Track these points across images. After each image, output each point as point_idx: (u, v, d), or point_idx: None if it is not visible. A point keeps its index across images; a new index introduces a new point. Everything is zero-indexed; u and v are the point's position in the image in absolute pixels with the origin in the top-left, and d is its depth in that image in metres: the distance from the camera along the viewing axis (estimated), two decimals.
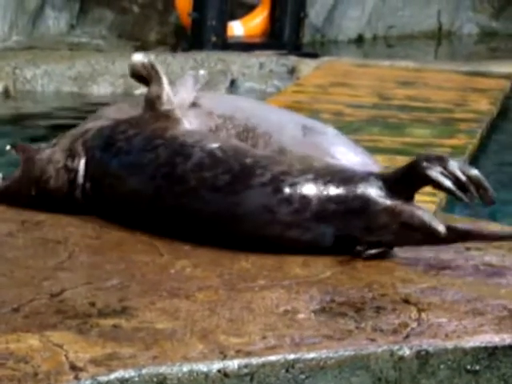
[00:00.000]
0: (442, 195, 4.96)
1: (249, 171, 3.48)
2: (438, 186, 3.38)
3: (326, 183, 3.40)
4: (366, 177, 3.43)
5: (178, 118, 3.75)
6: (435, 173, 3.34)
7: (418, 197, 3.48)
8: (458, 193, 3.33)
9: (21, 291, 3.10)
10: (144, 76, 3.87)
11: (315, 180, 3.41)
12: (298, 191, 3.40)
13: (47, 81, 8.92)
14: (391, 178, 3.43)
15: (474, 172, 3.35)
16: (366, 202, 3.37)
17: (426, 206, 4.86)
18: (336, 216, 3.39)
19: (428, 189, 3.50)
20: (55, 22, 11.07)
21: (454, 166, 3.35)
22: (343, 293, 3.16)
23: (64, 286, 3.15)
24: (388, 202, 3.36)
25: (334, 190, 3.39)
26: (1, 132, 7.82)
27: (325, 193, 3.39)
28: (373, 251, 3.39)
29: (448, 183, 3.33)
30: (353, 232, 3.40)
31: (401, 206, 3.36)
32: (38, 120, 8.15)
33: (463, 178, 3.33)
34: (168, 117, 3.75)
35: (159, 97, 3.80)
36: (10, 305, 3.00)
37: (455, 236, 3.35)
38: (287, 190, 3.41)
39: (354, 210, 3.38)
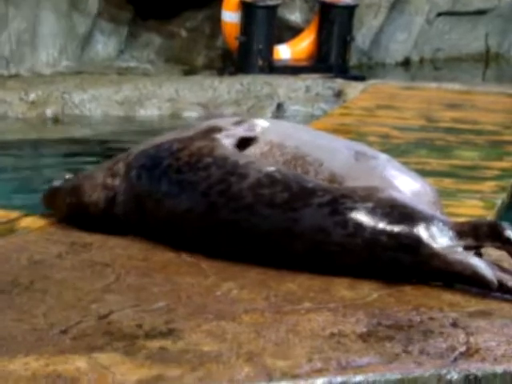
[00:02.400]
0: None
1: (309, 191, 3.49)
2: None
3: (383, 214, 3.39)
4: (427, 217, 3.39)
5: (222, 139, 3.78)
6: None
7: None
8: None
9: (69, 313, 3.12)
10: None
11: (374, 209, 3.40)
12: (354, 216, 3.39)
13: (95, 105, 8.99)
14: (457, 225, 3.38)
15: None
16: (418, 242, 3.34)
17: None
18: (386, 248, 3.37)
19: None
20: (104, 46, 11.17)
21: None
22: (390, 316, 3.15)
23: (111, 308, 3.17)
24: (441, 248, 3.32)
25: (389, 223, 3.38)
26: (51, 155, 7.90)
27: (380, 224, 3.38)
28: None
29: None
30: (402, 266, 3.38)
31: (454, 255, 3.32)
32: (86, 144, 8.21)
33: None
34: (212, 138, 3.77)
35: (219, 129, 3.84)
36: (58, 327, 3.02)
37: (505, 290, 3.30)
38: (344, 214, 3.40)
39: (405, 248, 3.36)
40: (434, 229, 3.34)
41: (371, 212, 3.40)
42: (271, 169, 3.61)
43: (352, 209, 3.41)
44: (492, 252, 3.50)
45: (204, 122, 4.29)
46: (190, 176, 3.68)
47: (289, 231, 3.46)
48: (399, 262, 3.36)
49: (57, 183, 4.10)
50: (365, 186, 3.54)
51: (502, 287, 3.27)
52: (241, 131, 3.88)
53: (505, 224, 3.38)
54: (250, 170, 3.60)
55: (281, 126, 4.16)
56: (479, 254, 3.37)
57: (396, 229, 3.36)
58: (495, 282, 3.27)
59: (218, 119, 4.18)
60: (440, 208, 3.75)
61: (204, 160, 3.68)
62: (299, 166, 3.76)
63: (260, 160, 3.71)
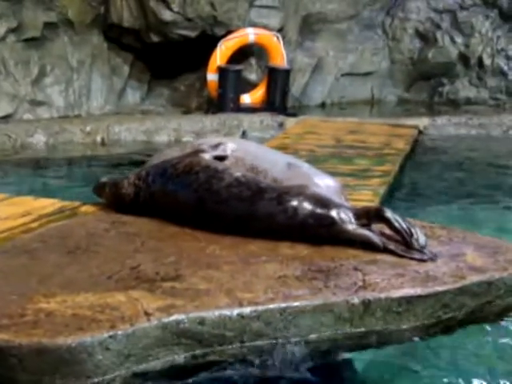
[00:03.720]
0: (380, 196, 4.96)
1: (263, 189, 3.45)
2: (391, 226, 3.28)
3: (310, 204, 3.35)
4: (338, 205, 3.36)
5: (205, 156, 3.76)
6: (392, 217, 3.28)
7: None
8: (405, 234, 3.25)
9: (112, 266, 3.09)
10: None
11: (303, 201, 3.37)
12: (292, 206, 3.37)
13: (128, 134, 8.91)
14: (356, 210, 3.34)
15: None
16: (332, 222, 3.30)
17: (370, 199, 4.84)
18: (312, 226, 3.33)
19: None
20: (132, 97, 11.06)
21: (403, 218, 3.29)
22: (316, 264, 3.14)
23: (139, 262, 3.14)
24: (346, 226, 3.29)
25: (314, 210, 3.34)
26: (100, 166, 7.85)
27: (308, 210, 3.35)
28: None
29: (399, 226, 3.26)
30: (322, 237, 3.35)
31: (355, 230, 3.28)
32: (121, 159, 8.14)
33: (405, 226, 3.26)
34: (199, 156, 3.76)
35: (203, 151, 3.80)
36: (106, 274, 2.99)
37: (386, 250, 3.27)
38: (285, 204, 3.38)
39: (324, 226, 3.32)
40: (342, 213, 3.31)
41: (303, 202, 3.37)
42: (238, 174, 3.56)
43: (290, 201, 3.38)
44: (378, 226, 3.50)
45: (195, 142, 4.25)
46: (185, 179, 3.64)
47: (251, 216, 3.41)
48: (321, 234, 3.33)
49: (103, 179, 4.07)
50: (297, 184, 3.51)
51: (385, 248, 3.27)
52: (217, 152, 3.85)
53: (385, 208, 3.37)
54: (225, 175, 3.55)
55: (244, 146, 4.11)
56: (370, 229, 3.35)
57: (319, 213, 3.33)
58: (381, 245, 3.26)
59: (203, 141, 4.13)
60: (345, 196, 3.74)
61: (194, 168, 3.64)
62: (254, 173, 3.75)
63: (231, 168, 3.67)
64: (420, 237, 3.26)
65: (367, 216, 3.31)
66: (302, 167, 3.86)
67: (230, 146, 3.90)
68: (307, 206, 3.34)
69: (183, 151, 3.96)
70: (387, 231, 3.33)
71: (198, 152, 3.79)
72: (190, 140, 8.07)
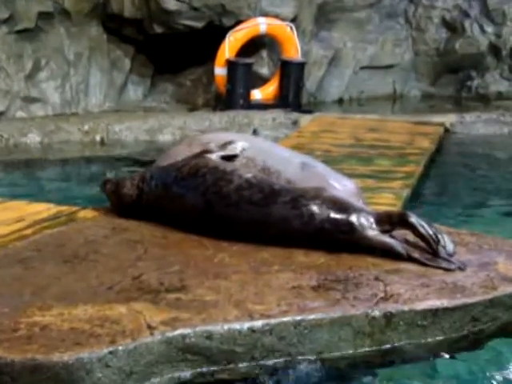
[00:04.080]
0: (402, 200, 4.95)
1: (276, 192, 3.45)
2: (415, 232, 3.28)
3: (328, 208, 3.35)
4: (358, 210, 3.35)
5: (213, 156, 3.76)
6: (417, 222, 3.28)
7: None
8: (431, 241, 3.25)
9: (113, 275, 3.10)
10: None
11: (321, 204, 3.36)
12: (308, 210, 3.36)
13: (129, 133, 8.94)
14: (377, 215, 3.34)
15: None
16: (351, 227, 3.30)
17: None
18: (330, 232, 3.33)
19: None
20: (134, 93, 11.10)
21: (429, 224, 3.28)
22: (333, 273, 3.14)
23: (142, 271, 3.15)
24: (367, 232, 3.29)
25: (332, 215, 3.34)
26: (99, 166, 7.87)
27: (326, 215, 3.34)
28: None
29: (424, 232, 3.26)
30: (340, 243, 3.34)
31: (376, 236, 3.28)
32: (123, 159, 8.17)
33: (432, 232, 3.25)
34: (206, 157, 3.75)
35: (210, 152, 3.81)
36: (106, 285, 3.00)
37: (410, 258, 3.28)
38: (301, 208, 3.37)
39: (343, 231, 3.32)
40: (362, 218, 3.31)
41: (319, 206, 3.37)
42: (249, 175, 3.56)
43: (306, 205, 3.38)
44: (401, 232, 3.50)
45: (202, 137, 4.22)
46: (191, 182, 3.63)
47: (263, 221, 3.42)
48: (339, 241, 3.33)
49: (108, 176, 4.10)
50: (314, 187, 3.51)
51: (409, 256, 3.26)
52: (226, 151, 3.85)
53: (409, 213, 3.37)
54: (234, 177, 3.55)
55: (255, 144, 4.09)
56: (392, 235, 3.35)
57: (337, 218, 3.33)
58: (405, 253, 3.26)
59: (211, 137, 4.12)
60: (362, 199, 3.74)
61: (201, 170, 3.64)
62: (266, 174, 3.75)
63: (241, 169, 3.67)
64: (447, 244, 3.25)
65: (390, 221, 3.31)
66: (317, 167, 3.86)
67: (241, 145, 3.89)
68: (325, 210, 3.34)
69: (190, 147, 3.96)
70: (411, 238, 3.32)
71: (204, 153, 3.80)
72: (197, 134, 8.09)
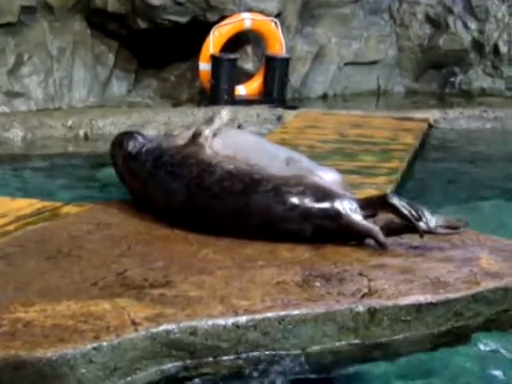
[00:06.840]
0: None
1: (257, 181, 3.45)
2: (397, 213, 3.30)
3: (311, 194, 3.36)
4: (341, 195, 3.37)
5: (204, 146, 3.75)
6: (398, 203, 3.30)
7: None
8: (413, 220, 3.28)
9: (96, 271, 3.09)
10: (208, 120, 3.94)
11: (304, 191, 3.37)
12: (291, 198, 3.36)
13: (113, 128, 8.88)
14: (360, 201, 3.36)
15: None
16: (337, 213, 3.32)
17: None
18: (315, 218, 3.35)
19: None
20: (118, 88, 11.06)
21: (410, 203, 3.31)
22: (317, 269, 3.14)
23: (126, 267, 3.14)
24: (352, 217, 3.30)
25: (316, 201, 3.35)
26: (83, 162, 7.84)
27: (310, 200, 3.35)
28: None
29: (406, 211, 3.28)
30: (326, 230, 3.36)
31: (360, 222, 3.30)
32: (107, 154, 8.12)
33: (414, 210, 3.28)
34: (198, 144, 3.75)
35: (201, 133, 3.80)
36: (90, 281, 2.99)
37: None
38: (282, 195, 3.37)
39: (329, 217, 3.33)
40: (346, 204, 3.33)
41: (302, 194, 3.37)
42: (230, 166, 3.55)
43: (288, 192, 3.38)
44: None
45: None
46: (178, 170, 3.63)
47: (246, 211, 3.42)
48: (324, 227, 3.33)
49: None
50: (295, 175, 3.49)
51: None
52: (215, 125, 3.82)
53: (390, 194, 3.39)
54: (217, 168, 3.55)
55: (242, 138, 4.04)
56: (374, 220, 3.36)
57: (321, 204, 3.33)
58: (387, 244, 3.28)
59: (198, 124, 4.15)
60: (346, 188, 3.74)
61: (189, 161, 3.64)
62: (251, 168, 3.72)
63: (225, 161, 3.64)
64: (429, 219, 3.27)
65: (372, 205, 3.32)
66: (301, 161, 3.85)
67: (224, 113, 3.91)
68: (308, 196, 3.33)
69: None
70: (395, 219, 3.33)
71: (195, 138, 3.77)
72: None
